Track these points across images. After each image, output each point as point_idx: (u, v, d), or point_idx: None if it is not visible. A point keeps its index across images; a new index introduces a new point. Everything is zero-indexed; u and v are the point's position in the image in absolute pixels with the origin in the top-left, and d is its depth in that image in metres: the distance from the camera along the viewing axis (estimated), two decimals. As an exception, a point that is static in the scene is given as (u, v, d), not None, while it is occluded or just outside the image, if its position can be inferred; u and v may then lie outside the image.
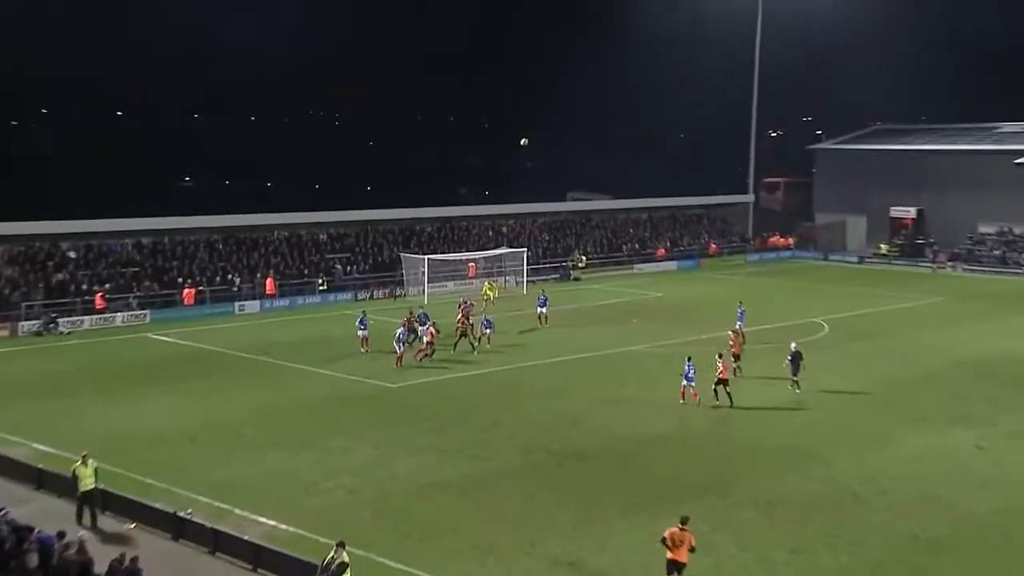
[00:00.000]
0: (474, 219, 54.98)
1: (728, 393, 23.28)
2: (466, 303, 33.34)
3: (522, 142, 43.55)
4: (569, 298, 44.52)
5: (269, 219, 46.91)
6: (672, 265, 58.19)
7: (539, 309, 36.41)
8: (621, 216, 63.44)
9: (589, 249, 56.86)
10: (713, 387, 23.26)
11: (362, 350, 30.00)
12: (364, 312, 32.24)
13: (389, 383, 26.43)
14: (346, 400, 24.52)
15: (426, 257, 44.60)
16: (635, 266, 56.51)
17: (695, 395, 23.33)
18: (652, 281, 52.11)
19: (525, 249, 48.84)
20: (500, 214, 56.30)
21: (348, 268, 45.45)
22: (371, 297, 43.88)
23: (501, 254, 48.34)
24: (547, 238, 56.50)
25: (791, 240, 64.53)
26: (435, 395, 25.21)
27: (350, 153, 70.18)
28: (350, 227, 49.60)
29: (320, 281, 43.56)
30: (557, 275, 52.45)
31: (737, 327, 29.72)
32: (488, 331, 30.10)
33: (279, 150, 66.03)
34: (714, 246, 61.56)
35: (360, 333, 30.44)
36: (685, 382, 23.51)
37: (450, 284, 46.51)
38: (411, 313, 30.90)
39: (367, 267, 46.23)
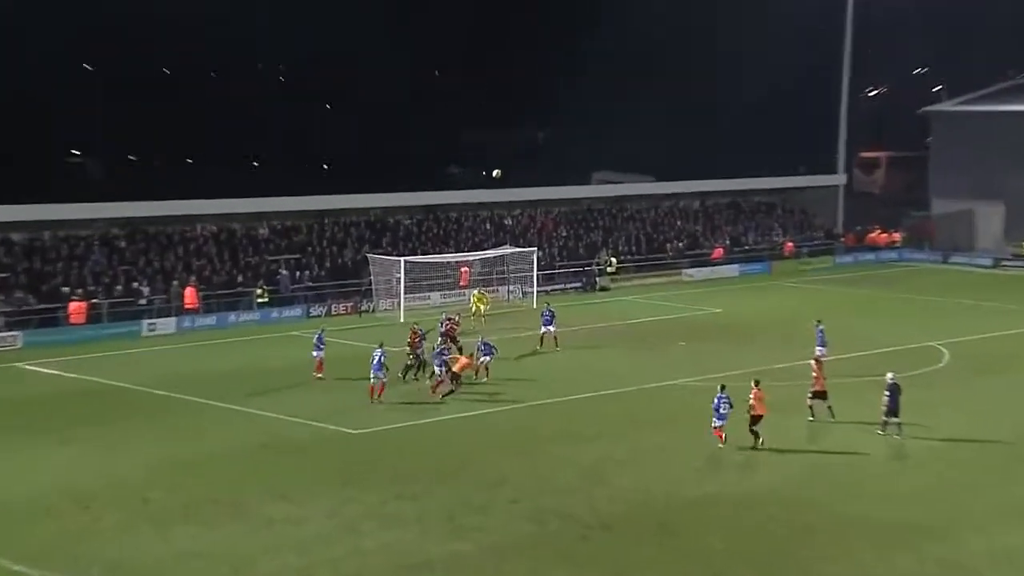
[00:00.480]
0: (468, 208, 55.34)
1: (754, 432, 23.97)
2: (450, 320, 33.43)
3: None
4: (594, 314, 44.80)
5: (190, 207, 46.54)
6: (733, 270, 58.36)
7: (543, 328, 36.51)
8: (665, 204, 63.83)
9: (621, 248, 57.33)
10: (749, 427, 24.01)
11: (317, 375, 31.23)
12: (323, 329, 33.58)
13: (348, 427, 26.86)
14: (291, 451, 25.04)
15: (402, 259, 44.80)
16: (683, 272, 56.86)
17: (720, 436, 24.02)
18: (706, 292, 52.44)
19: (535, 249, 49.31)
20: (503, 201, 56.54)
21: (297, 274, 45.82)
22: (328, 313, 44.17)
23: (503, 255, 48.64)
24: (565, 234, 56.98)
25: (897, 236, 63.94)
26: (412, 444, 25.47)
27: (301, 119, 66.85)
28: (301, 218, 49.81)
29: (259, 292, 43.63)
30: (578, 284, 52.90)
31: (817, 353, 30.43)
32: (487, 359, 30.50)
33: (203, 115, 60.77)
34: (790, 244, 61.72)
35: (316, 354, 31.68)
36: (717, 421, 24.01)
37: (434, 296, 46.73)
38: (415, 331, 31.54)
39: (323, 273, 46.51)
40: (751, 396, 24.51)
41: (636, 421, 27.31)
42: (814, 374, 26.79)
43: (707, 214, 63.82)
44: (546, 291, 50.57)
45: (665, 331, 40.74)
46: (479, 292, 42.53)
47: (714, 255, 58.56)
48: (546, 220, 57.38)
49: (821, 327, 32.69)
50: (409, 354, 31.29)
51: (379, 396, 28.21)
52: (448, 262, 47.37)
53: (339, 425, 26.75)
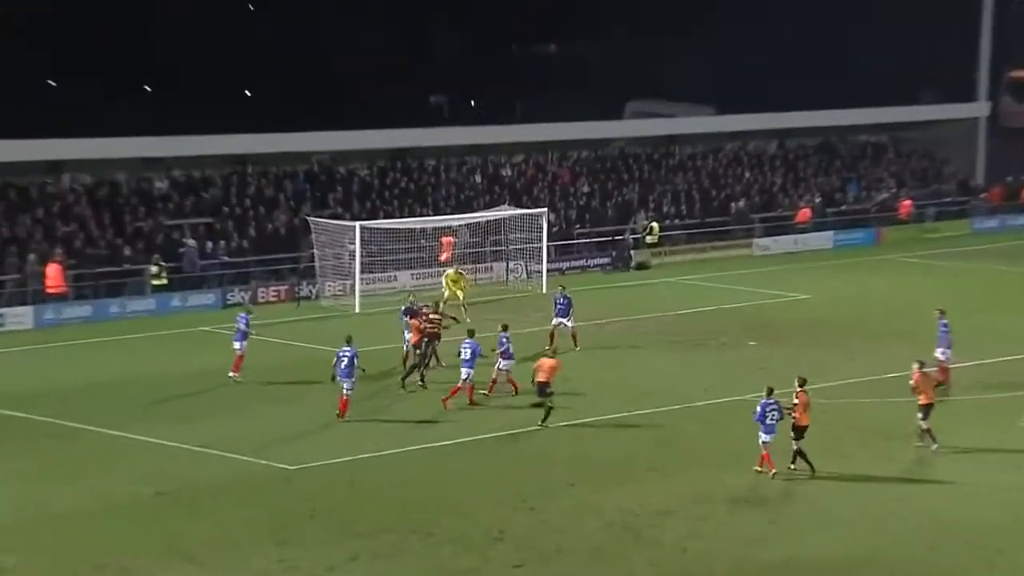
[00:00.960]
0: (452, 154, 56.14)
1: (801, 454, 25.82)
2: (426, 310, 33.84)
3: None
4: (627, 302, 45.06)
5: (53, 150, 46.57)
6: (825, 239, 58.50)
7: (556, 321, 36.99)
8: (728, 147, 64.55)
9: (667, 210, 57.82)
10: (793, 446, 25.79)
11: (234, 375, 32.63)
12: (249, 310, 34.62)
13: (283, 461, 27.14)
14: (202, 495, 25.30)
15: (357, 224, 45.10)
16: (754, 242, 57.26)
17: (766, 459, 25.70)
18: (786, 270, 52.80)
19: (545, 211, 49.86)
20: (501, 144, 57.36)
21: (209, 246, 46.10)
22: (253, 300, 44.33)
23: (500, 218, 49.16)
24: (587, 190, 57.73)
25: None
26: (375, 483, 25.87)
27: (213, 24, 65.53)
28: (213, 167, 50.32)
29: (155, 270, 43.86)
30: (606, 260, 53.40)
31: (941, 355, 32.03)
32: (505, 364, 31.52)
33: (70, 17, 60.20)
34: (908, 203, 62.33)
35: (237, 346, 32.86)
36: (764, 435, 25.66)
37: (403, 276, 47.23)
38: (425, 314, 33.09)
39: (246, 244, 46.90)
40: (794, 401, 25.98)
41: (684, 453, 27.92)
42: (912, 382, 27.91)
43: (789, 161, 64.26)
44: (560, 270, 50.82)
45: (727, 326, 40.88)
46: (455, 271, 42.34)
47: (798, 218, 58.65)
48: (561, 170, 57.87)
49: (944, 320, 33.17)
50: (418, 349, 32.04)
51: (343, 414, 29.48)
52: (423, 229, 47.67)
53: (270, 459, 27.09)
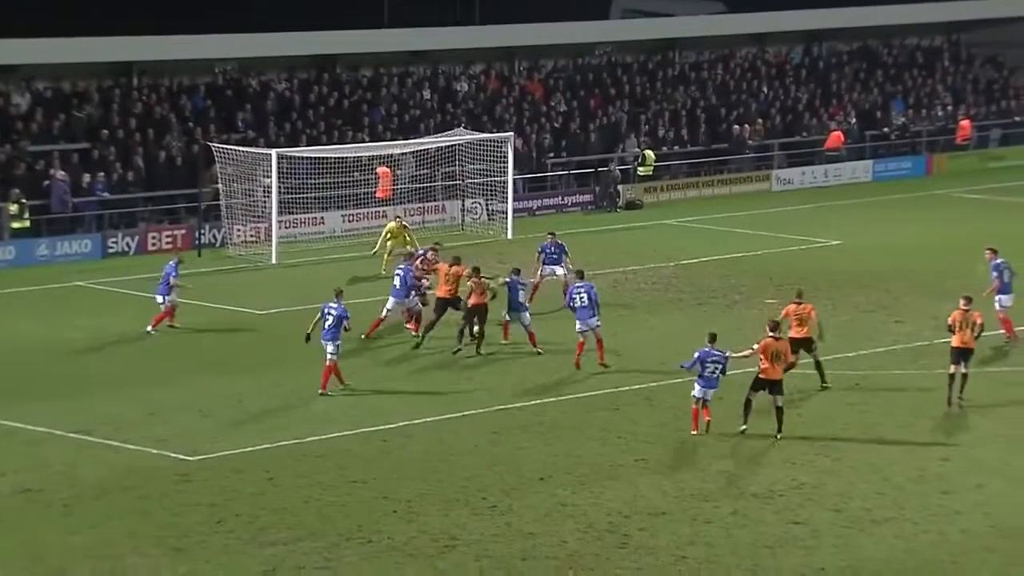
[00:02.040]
0: (392, 62, 56.23)
1: (748, 402, 27.96)
2: (423, 254, 35.70)
3: None
4: (617, 249, 45.26)
5: None
6: (862, 170, 59.55)
7: (544, 270, 37.67)
8: (741, 53, 64.88)
9: (664, 134, 58.34)
10: (746, 396, 27.98)
11: (149, 330, 34.76)
12: (179, 258, 36.37)
13: (179, 451, 27.23)
14: (77, 495, 25.19)
15: (274, 152, 45.25)
16: (774, 173, 58.04)
17: (705, 415, 28.00)
18: (814, 210, 53.42)
19: (511, 135, 50.16)
20: (455, 50, 57.54)
21: (86, 179, 46.10)
22: (141, 248, 44.67)
23: (454, 145, 49.37)
24: (564, 108, 57.97)
25: None
26: (299, 478, 25.95)
27: None
28: (89, 75, 50.30)
29: (14, 209, 43.97)
30: (589, 198, 54.11)
31: (999, 305, 33.90)
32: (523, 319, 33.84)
33: None
34: (967, 123, 62.98)
35: (162, 301, 35.13)
36: (697, 389, 28.07)
37: (332, 218, 47.75)
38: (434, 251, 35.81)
39: (131, 177, 47.05)
40: (755, 346, 27.91)
41: (684, 441, 28.17)
42: (952, 325, 29.68)
43: (817, 71, 64.76)
44: (530, 211, 51.33)
45: (740, 280, 41.26)
46: (398, 224, 42.10)
47: (829, 144, 59.26)
48: (531, 83, 58.10)
49: (998, 261, 34.74)
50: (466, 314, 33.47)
51: (340, 379, 30.66)
52: (357, 158, 47.92)
53: (166, 448, 27.30)
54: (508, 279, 33.77)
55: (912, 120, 62.49)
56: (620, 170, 53.95)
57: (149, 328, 35.04)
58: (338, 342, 30.57)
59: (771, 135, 58.93)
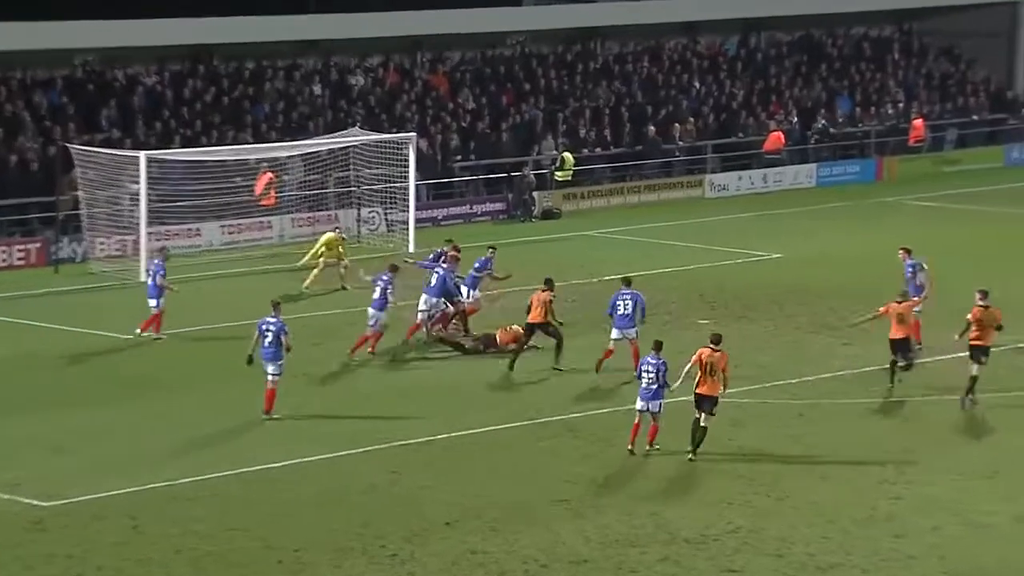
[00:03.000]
0: (276, 52, 56.55)
1: (697, 429, 28.65)
2: (440, 254, 37.81)
3: None
4: (531, 264, 45.30)
5: None
6: (806, 174, 60.19)
7: (466, 294, 38.15)
8: (672, 43, 65.53)
9: (584, 135, 58.63)
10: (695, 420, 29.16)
11: (153, 335, 36.08)
12: (166, 255, 38.37)
13: (31, 496, 26.93)
14: None
15: (142, 154, 44.60)
16: (707, 179, 58.64)
17: (651, 434, 29.05)
18: (752, 220, 53.84)
19: (413, 136, 50.09)
20: (347, 39, 57.68)
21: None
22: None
23: (348, 147, 49.39)
24: (472, 105, 58.19)
25: None
26: (169, 525, 25.75)
27: None
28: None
29: None
30: (500, 206, 54.37)
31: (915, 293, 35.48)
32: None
33: None
34: (920, 123, 63.64)
35: (153, 303, 36.65)
36: (641, 404, 29.05)
37: (210, 229, 47.84)
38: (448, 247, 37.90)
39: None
40: (693, 359, 28.87)
41: (609, 477, 28.28)
42: (969, 316, 31.46)
43: (754, 63, 65.48)
44: (435, 220, 51.52)
45: (669, 298, 41.44)
46: (336, 234, 42.85)
47: (768, 145, 59.88)
48: (436, 78, 58.27)
49: (912, 262, 36.76)
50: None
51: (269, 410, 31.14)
52: (238, 161, 47.83)
53: (16, 492, 26.91)
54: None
55: (859, 120, 63.15)
56: (535, 175, 54.08)
57: (139, 330, 36.16)
58: (280, 362, 30.81)
59: (704, 136, 59.33)
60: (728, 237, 49.83)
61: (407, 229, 47.97)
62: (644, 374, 28.79)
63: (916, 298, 35.04)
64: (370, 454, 29.18)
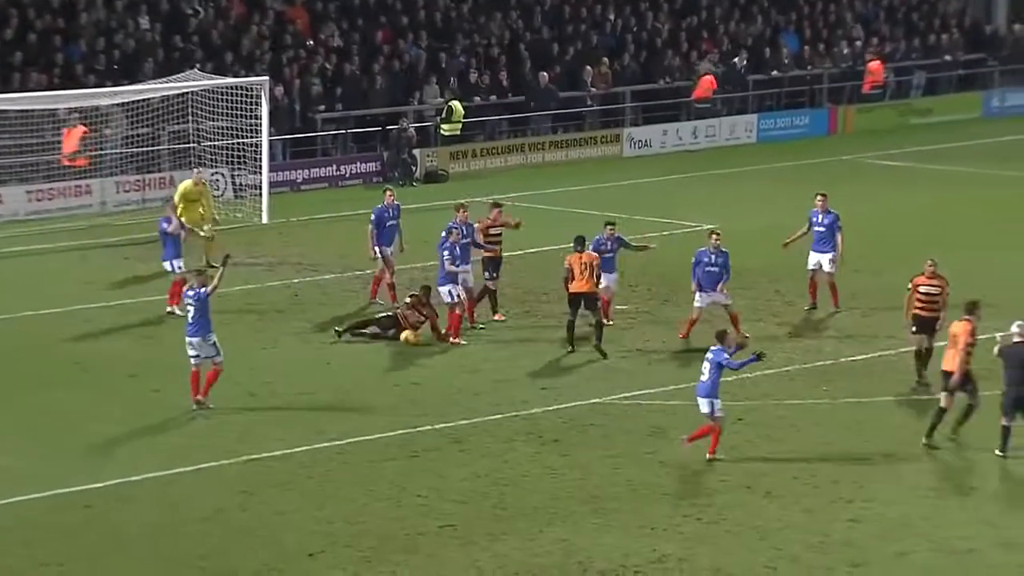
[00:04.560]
0: None
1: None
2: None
3: None
4: (415, 234, 45.27)
5: None
6: (744, 126, 61.01)
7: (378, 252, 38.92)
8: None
9: (476, 79, 58.60)
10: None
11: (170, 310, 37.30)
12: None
13: None
14: None
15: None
16: (626, 131, 59.05)
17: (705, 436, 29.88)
18: (679, 183, 54.37)
19: (266, 80, 49.90)
20: None
21: None
22: None
23: (185, 94, 49.16)
24: (340, 43, 57.96)
25: None
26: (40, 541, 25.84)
27: None
28: None
29: None
30: (375, 167, 54.53)
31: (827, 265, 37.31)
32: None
33: None
34: (878, 65, 64.06)
35: (171, 267, 38.12)
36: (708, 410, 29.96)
37: (13, 196, 47.41)
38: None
39: None
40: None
41: (508, 498, 28.31)
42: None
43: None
44: (294, 184, 51.76)
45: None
46: (197, 182, 42.48)
47: (698, 92, 60.30)
48: (291, 9, 58.14)
49: (832, 212, 38.39)
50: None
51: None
52: (47, 112, 47.61)
53: None
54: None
55: (808, 61, 63.45)
56: (416, 129, 53.99)
57: (170, 308, 37.13)
58: (211, 339, 31.12)
59: (621, 81, 59.38)
60: (651, 204, 49.96)
61: (259, 195, 47.87)
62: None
63: (832, 255, 36.61)
64: (214, 472, 29.09)
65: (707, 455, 29.31)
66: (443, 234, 36.62)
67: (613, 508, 27.48)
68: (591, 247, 36.13)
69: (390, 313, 36.78)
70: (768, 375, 34.12)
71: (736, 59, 61.39)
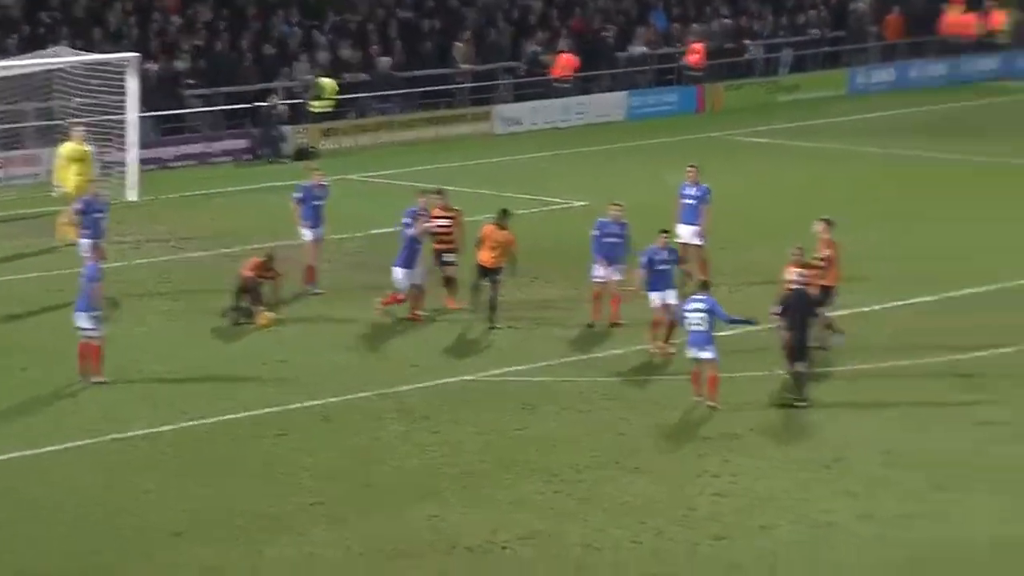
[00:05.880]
0: None
1: None
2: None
3: None
4: (285, 213, 45.26)
5: None
6: (615, 105, 61.27)
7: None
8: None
9: (347, 54, 58.34)
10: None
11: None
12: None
13: None
14: None
15: None
16: (496, 108, 59.28)
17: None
18: (551, 161, 54.51)
19: (134, 56, 49.44)
20: None
21: None
22: None
23: (46, 69, 48.74)
24: (209, 17, 57.41)
25: (1003, 20, 69.99)
26: None
27: None
28: None
29: None
30: (245, 145, 54.39)
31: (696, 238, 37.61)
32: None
33: None
34: (698, 46, 64.71)
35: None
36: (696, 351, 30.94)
37: None
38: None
39: None
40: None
41: (378, 471, 28.37)
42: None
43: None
44: (162, 162, 51.49)
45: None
46: (78, 142, 42.48)
47: (556, 70, 60.29)
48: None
49: (703, 186, 38.81)
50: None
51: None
52: None
53: None
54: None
55: (677, 36, 63.60)
56: (287, 106, 53.72)
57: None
58: (96, 313, 31.37)
59: (490, 57, 59.32)
60: (522, 181, 50.16)
61: (125, 173, 47.57)
62: (693, 315, 30.39)
63: (699, 229, 37.29)
64: (78, 451, 28.89)
65: (709, 403, 30.44)
66: (405, 219, 36.42)
67: (483, 485, 27.55)
68: (643, 259, 34.47)
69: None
70: (638, 351, 34.25)
71: (604, 32, 61.57)
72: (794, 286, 31.39)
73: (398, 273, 35.79)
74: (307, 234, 38.37)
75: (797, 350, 30.70)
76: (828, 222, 33.99)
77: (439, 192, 37.80)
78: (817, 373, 32.05)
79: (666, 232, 34.93)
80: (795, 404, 30.72)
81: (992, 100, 66.11)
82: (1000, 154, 55.10)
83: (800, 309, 30.86)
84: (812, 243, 33.99)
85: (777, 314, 31.02)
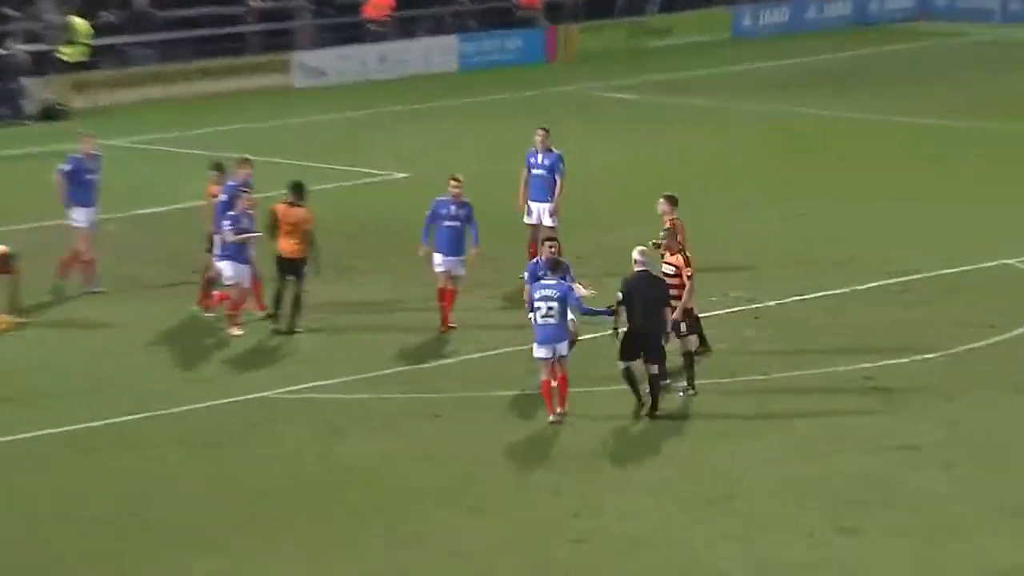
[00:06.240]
0: None
1: None
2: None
3: None
4: (26, 189, 45.17)
5: None
6: (444, 52, 61.99)
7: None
8: None
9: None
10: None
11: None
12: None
13: None
14: None
15: None
16: (295, 56, 59.73)
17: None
18: (365, 121, 55.28)
19: None
20: None
21: None
22: None
23: None
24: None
25: None
26: None
27: None
28: None
29: None
30: None
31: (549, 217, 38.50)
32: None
33: None
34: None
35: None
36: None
37: None
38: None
39: None
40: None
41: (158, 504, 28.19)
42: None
43: None
44: None
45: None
46: None
47: (369, 10, 61.46)
48: None
49: (554, 153, 39.29)
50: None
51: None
52: None
53: None
54: None
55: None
56: (29, 53, 53.38)
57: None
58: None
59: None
60: (329, 148, 50.52)
61: None
62: (542, 304, 30.43)
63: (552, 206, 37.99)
64: None
65: (556, 411, 30.47)
66: (224, 198, 35.89)
67: (280, 530, 27.19)
68: (526, 274, 34.26)
69: None
70: (472, 360, 34.16)
71: None
72: (638, 268, 31.10)
73: (226, 268, 35.45)
74: (78, 216, 37.76)
75: (644, 347, 30.58)
76: (671, 199, 34.04)
77: (246, 160, 37.39)
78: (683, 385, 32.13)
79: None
80: (650, 415, 30.88)
81: (904, 46, 66.71)
82: (914, 112, 55.65)
83: (645, 295, 30.73)
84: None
85: (619, 303, 30.93)
